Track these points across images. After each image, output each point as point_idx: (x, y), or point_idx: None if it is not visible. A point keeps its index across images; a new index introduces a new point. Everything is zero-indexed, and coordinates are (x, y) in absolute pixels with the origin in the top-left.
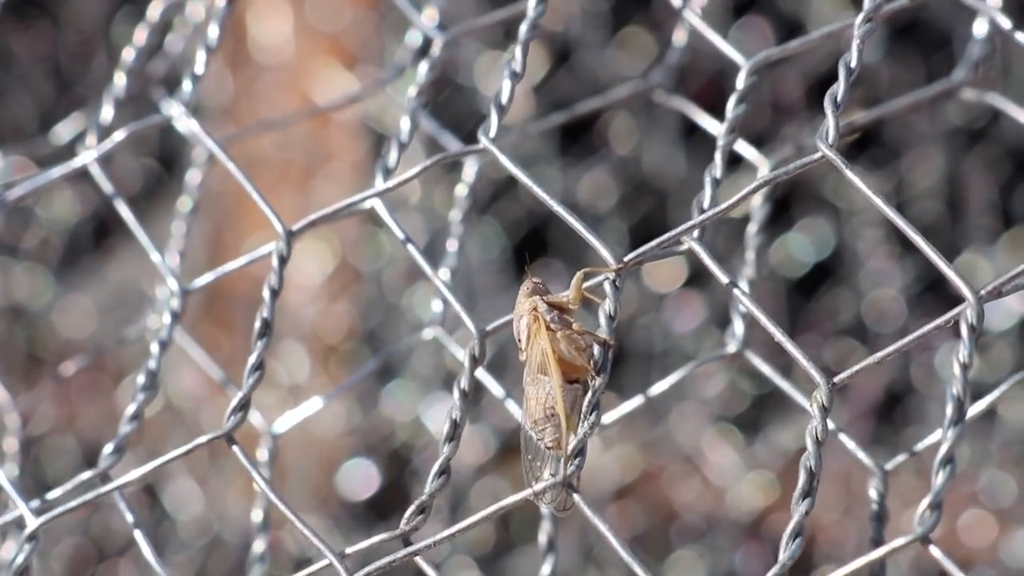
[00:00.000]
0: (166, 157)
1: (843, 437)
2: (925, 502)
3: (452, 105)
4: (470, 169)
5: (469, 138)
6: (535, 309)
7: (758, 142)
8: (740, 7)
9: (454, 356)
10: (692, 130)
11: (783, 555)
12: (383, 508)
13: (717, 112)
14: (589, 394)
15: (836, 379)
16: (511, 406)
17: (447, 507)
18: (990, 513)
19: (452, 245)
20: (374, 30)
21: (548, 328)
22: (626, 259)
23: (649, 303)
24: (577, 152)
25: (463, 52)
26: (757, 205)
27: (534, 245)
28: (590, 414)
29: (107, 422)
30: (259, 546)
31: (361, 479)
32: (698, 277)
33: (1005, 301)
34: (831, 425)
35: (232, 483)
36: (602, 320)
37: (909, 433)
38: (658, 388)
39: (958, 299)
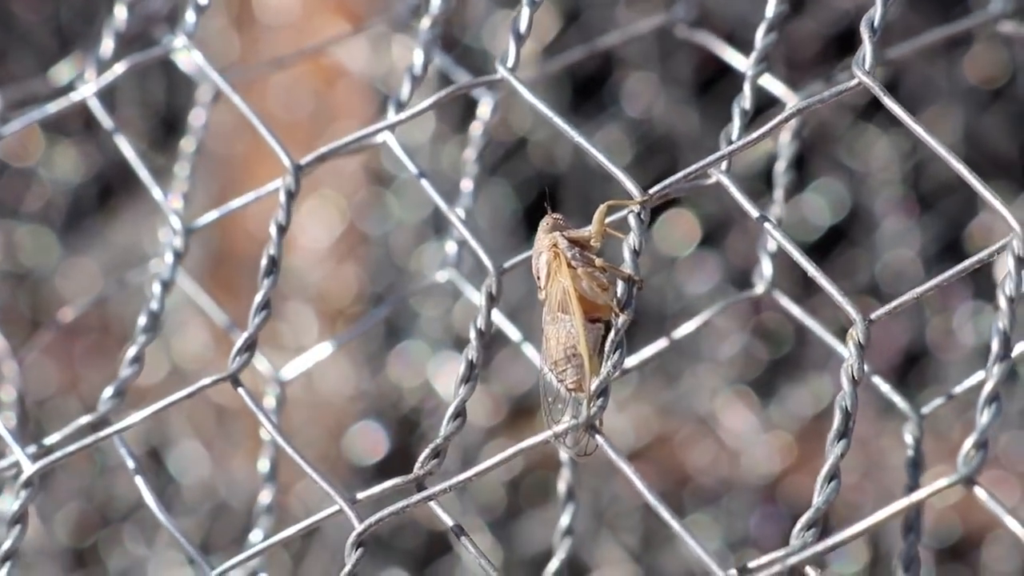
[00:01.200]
0: (170, 116)
1: (877, 380)
2: (970, 441)
3: (461, 64)
4: (485, 106)
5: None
6: (555, 245)
7: (771, 100)
8: None
9: (465, 316)
10: (706, 87)
11: (818, 498)
12: (391, 472)
13: (730, 71)
14: (612, 332)
15: (873, 315)
16: (528, 350)
17: (458, 469)
18: (1012, 475)
19: (467, 185)
20: None
21: (569, 265)
22: (651, 191)
23: (661, 264)
24: (588, 110)
25: (472, 11)
26: (785, 142)
27: (544, 206)
28: (614, 352)
29: (110, 385)
30: (266, 496)
31: (369, 443)
32: (712, 238)
33: None
34: (855, 361)
35: (239, 447)
36: (626, 255)
37: (927, 395)
38: (683, 330)
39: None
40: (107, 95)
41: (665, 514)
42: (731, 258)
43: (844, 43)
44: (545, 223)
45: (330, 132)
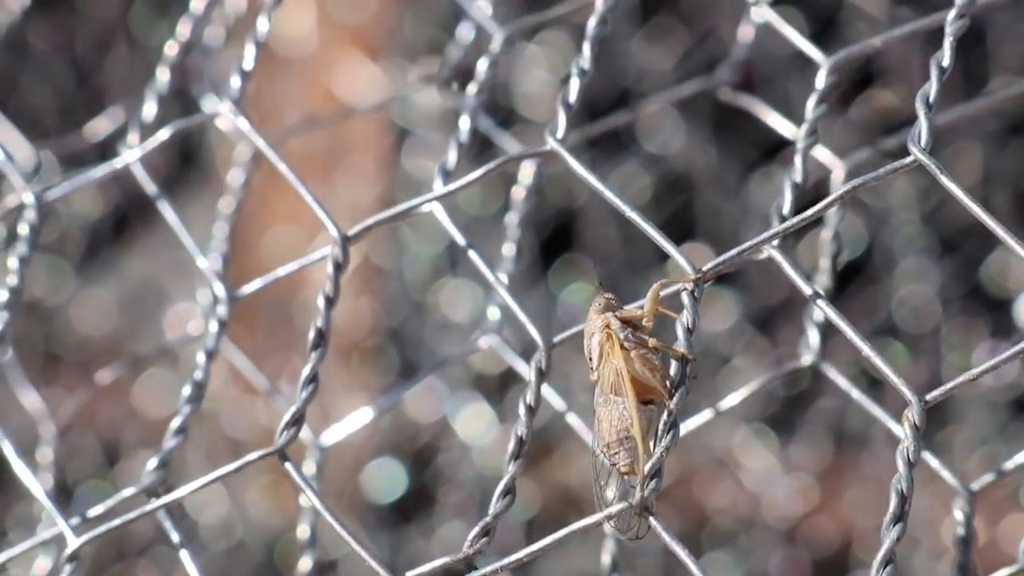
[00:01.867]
0: (186, 149)
1: (928, 456)
2: None
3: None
4: (528, 169)
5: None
6: (608, 326)
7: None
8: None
9: (483, 355)
10: (723, 125)
11: None
12: (407, 510)
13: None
14: (665, 414)
15: (929, 396)
16: (573, 420)
17: (475, 509)
18: None
19: (509, 249)
20: (397, 22)
21: (622, 346)
22: (704, 268)
23: (675, 304)
24: (606, 145)
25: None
26: (832, 211)
27: (561, 243)
28: (666, 433)
29: (127, 419)
30: (306, 564)
31: (386, 480)
32: (728, 275)
33: None
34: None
35: (252, 481)
36: (680, 333)
37: (946, 434)
38: (729, 402)
39: (996, 301)
40: (122, 129)
41: None
42: (749, 296)
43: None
44: (597, 303)
45: (345, 165)
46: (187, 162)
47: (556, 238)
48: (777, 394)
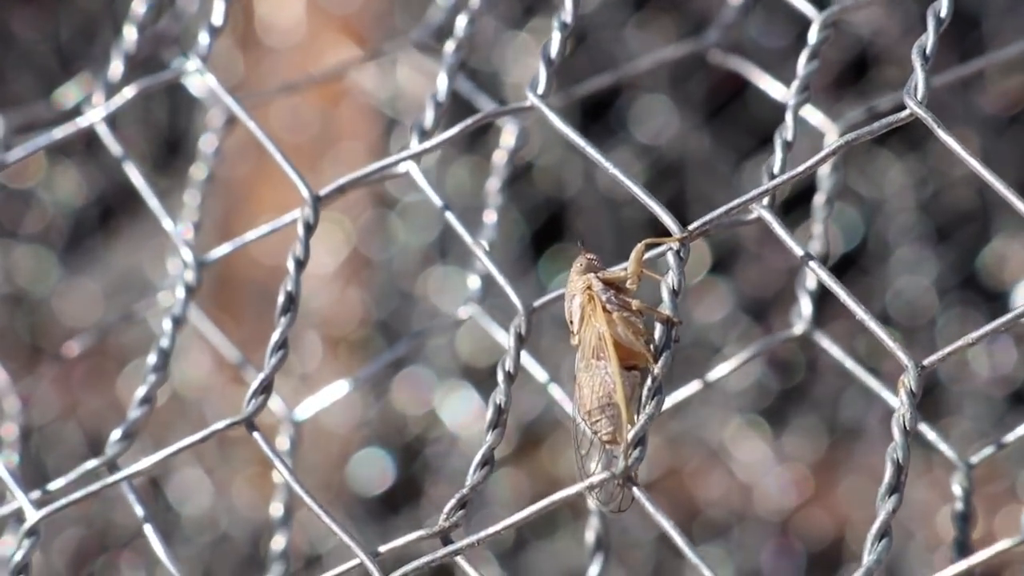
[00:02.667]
0: (173, 135)
1: (924, 428)
2: None
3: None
4: (509, 134)
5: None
6: (589, 288)
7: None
8: None
9: (472, 344)
10: (716, 112)
11: (868, 557)
12: (395, 501)
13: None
14: (649, 379)
15: (926, 362)
16: (555, 392)
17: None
18: None
19: (490, 216)
20: (386, 11)
21: (604, 309)
22: (691, 227)
23: (661, 268)
24: (598, 132)
25: (480, 33)
26: (825, 174)
27: (553, 231)
28: (651, 400)
29: (110, 410)
30: (279, 542)
31: (373, 472)
32: (721, 264)
33: None
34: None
35: (238, 472)
36: (665, 295)
37: (943, 426)
38: (718, 372)
39: (993, 291)
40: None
41: (700, 564)
42: (743, 286)
43: (857, 70)
44: (578, 264)
45: (334, 153)
46: (173, 150)
47: (547, 228)
48: (771, 386)
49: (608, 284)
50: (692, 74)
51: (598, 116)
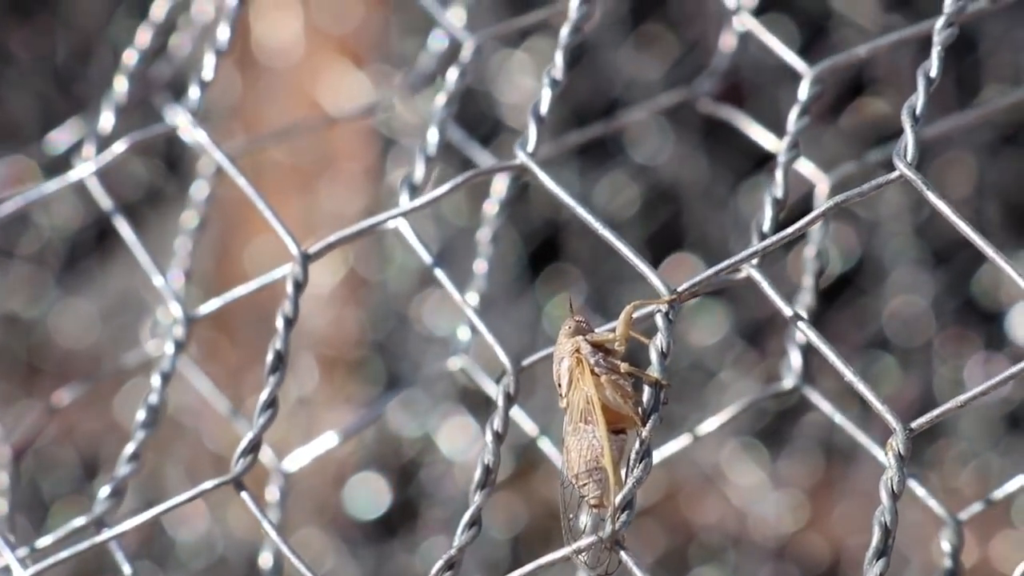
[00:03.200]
0: (171, 156)
1: (913, 484)
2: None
3: (462, 111)
4: (501, 184)
5: (484, 144)
6: (578, 351)
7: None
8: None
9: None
10: (712, 134)
11: None
12: (392, 524)
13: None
14: (638, 443)
15: (914, 425)
16: (546, 446)
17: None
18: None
19: (480, 267)
20: (384, 31)
21: (592, 372)
22: (679, 289)
23: (650, 327)
24: (594, 154)
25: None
26: (816, 228)
27: (550, 253)
28: (639, 463)
29: (107, 432)
30: None
31: (369, 494)
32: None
33: None
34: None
35: (234, 495)
36: (653, 357)
37: (937, 448)
38: (708, 426)
39: (988, 312)
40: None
41: None
42: (738, 309)
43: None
44: (567, 327)
45: (330, 174)
46: (171, 171)
47: (544, 250)
48: (766, 409)
49: (596, 347)
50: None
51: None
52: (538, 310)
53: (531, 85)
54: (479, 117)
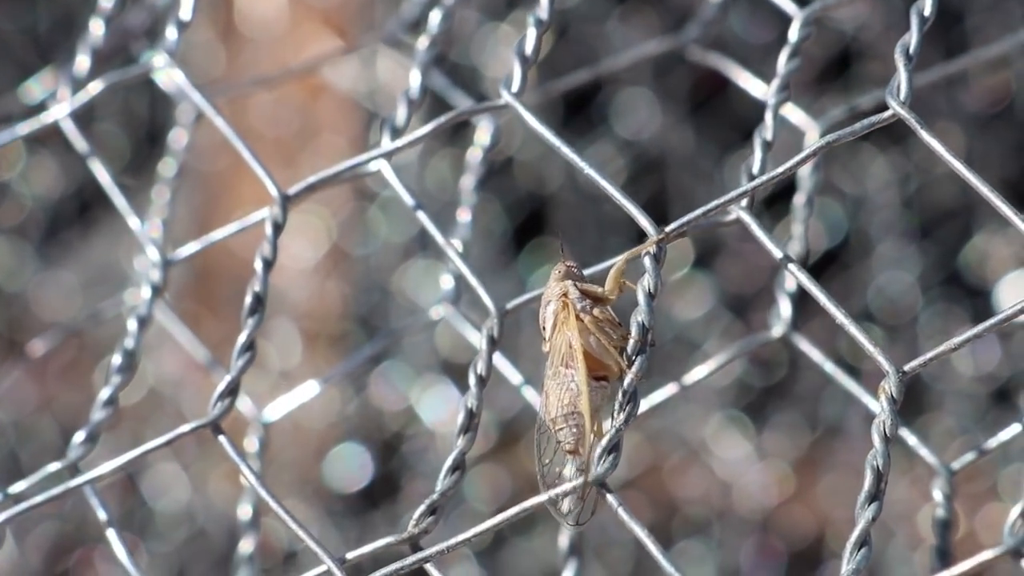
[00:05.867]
0: (153, 128)
1: (905, 432)
2: (1016, 510)
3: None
4: (484, 131)
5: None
6: (565, 295)
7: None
8: None
9: (451, 340)
10: (699, 106)
11: (847, 567)
12: (374, 497)
13: (723, 91)
14: (624, 384)
15: (907, 367)
16: (529, 394)
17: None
18: (1008, 505)
19: (464, 214)
20: (368, 3)
21: (577, 317)
22: (668, 228)
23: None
24: (580, 126)
25: (460, 27)
26: (806, 174)
27: (534, 226)
28: (627, 405)
29: (86, 404)
30: (247, 546)
31: (352, 467)
32: (702, 260)
33: None
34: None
35: (215, 467)
36: (640, 298)
37: (924, 422)
38: (696, 375)
39: (976, 287)
40: (86, 110)
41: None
42: (724, 282)
43: (839, 65)
44: (557, 271)
45: (313, 146)
46: (153, 141)
47: (528, 223)
48: (752, 383)
49: (585, 294)
50: (674, 68)
51: (579, 110)
52: (521, 283)
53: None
54: (463, 91)
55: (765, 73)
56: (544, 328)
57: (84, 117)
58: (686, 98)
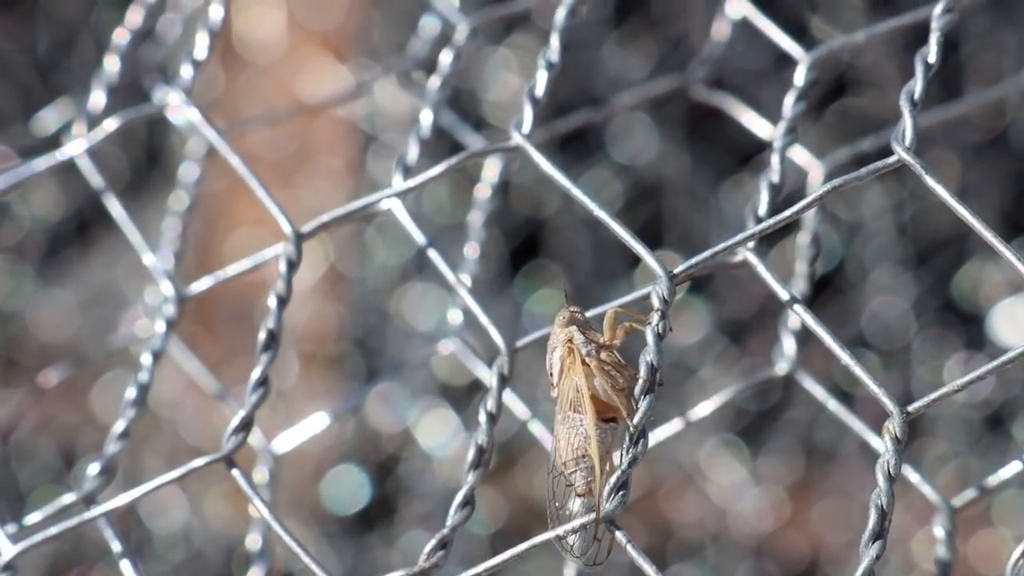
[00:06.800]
0: (151, 148)
1: (908, 469)
2: (1020, 550)
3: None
4: (493, 168)
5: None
6: (570, 341)
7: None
8: None
9: (449, 364)
10: (695, 132)
11: None
12: (370, 519)
13: (720, 116)
14: (631, 425)
15: (911, 408)
16: (538, 429)
17: (439, 519)
18: (1006, 533)
19: (472, 250)
20: (366, 26)
21: (583, 362)
22: (675, 271)
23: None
24: (576, 150)
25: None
26: (810, 215)
27: (531, 249)
28: (634, 445)
29: (84, 423)
30: (256, 575)
31: (348, 489)
32: (699, 285)
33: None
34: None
35: (212, 486)
36: (649, 339)
37: (916, 447)
38: (701, 412)
39: (969, 314)
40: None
41: None
42: (720, 307)
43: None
44: (561, 317)
45: (310, 168)
46: (152, 164)
47: (525, 247)
48: (747, 408)
49: (590, 339)
50: (672, 94)
51: (576, 135)
52: (517, 307)
53: (514, 82)
54: (461, 115)
55: (762, 100)
56: (551, 374)
57: (92, 121)
58: (683, 123)
